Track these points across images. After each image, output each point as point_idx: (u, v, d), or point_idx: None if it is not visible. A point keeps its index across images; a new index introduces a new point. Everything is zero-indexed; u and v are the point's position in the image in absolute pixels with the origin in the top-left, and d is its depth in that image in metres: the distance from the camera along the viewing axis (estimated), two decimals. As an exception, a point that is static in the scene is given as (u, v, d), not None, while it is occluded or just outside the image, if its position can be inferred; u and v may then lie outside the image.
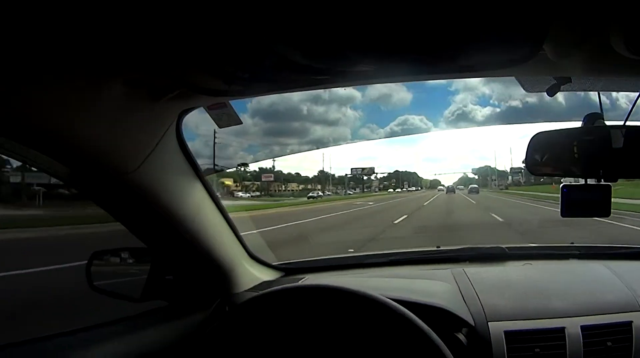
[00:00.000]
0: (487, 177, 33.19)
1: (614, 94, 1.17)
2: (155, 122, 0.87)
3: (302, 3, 0.56)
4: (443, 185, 35.83)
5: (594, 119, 0.96)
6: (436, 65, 0.75)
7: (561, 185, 0.99)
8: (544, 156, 0.93)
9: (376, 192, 29.91)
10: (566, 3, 0.58)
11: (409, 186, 34.12)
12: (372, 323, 0.91)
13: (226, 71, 0.76)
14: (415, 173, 37.73)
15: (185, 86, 0.80)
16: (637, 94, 1.00)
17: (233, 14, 0.58)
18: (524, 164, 0.94)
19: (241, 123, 0.97)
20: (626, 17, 0.61)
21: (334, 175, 31.07)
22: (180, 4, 0.55)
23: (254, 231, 5.22)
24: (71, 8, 0.53)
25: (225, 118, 0.97)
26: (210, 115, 0.98)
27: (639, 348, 1.07)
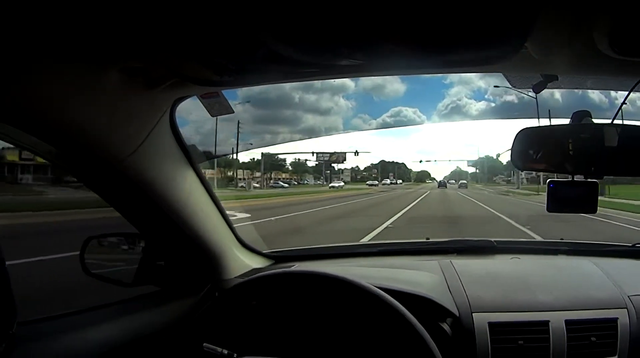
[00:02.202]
0: (485, 169, 31.20)
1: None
2: (149, 110, 0.90)
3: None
4: (433, 178, 34.36)
5: (582, 116, 0.97)
6: (422, 60, 0.77)
7: (547, 181, 1.00)
8: (530, 152, 0.94)
9: (335, 187, 25.22)
10: (551, 2, 0.59)
11: (394, 179, 32.23)
12: (356, 310, 0.94)
13: (218, 62, 0.78)
14: (403, 163, 36.09)
15: (179, 76, 0.83)
16: (626, 93, 1.01)
17: (225, 7, 0.60)
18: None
19: (233, 112, 0.99)
20: (611, 17, 0.63)
21: (305, 162, 28.10)
22: None
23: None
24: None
25: (217, 107, 0.99)
26: (203, 104, 1.00)
27: (624, 344, 1.09)
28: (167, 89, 0.86)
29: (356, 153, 26.38)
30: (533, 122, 1.02)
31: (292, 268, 1.00)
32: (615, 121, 0.98)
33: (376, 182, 30.23)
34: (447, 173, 38.14)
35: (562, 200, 1.00)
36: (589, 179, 0.99)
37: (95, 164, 0.89)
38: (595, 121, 0.97)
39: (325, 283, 0.94)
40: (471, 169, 34.81)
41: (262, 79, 0.90)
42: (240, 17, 0.63)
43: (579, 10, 0.61)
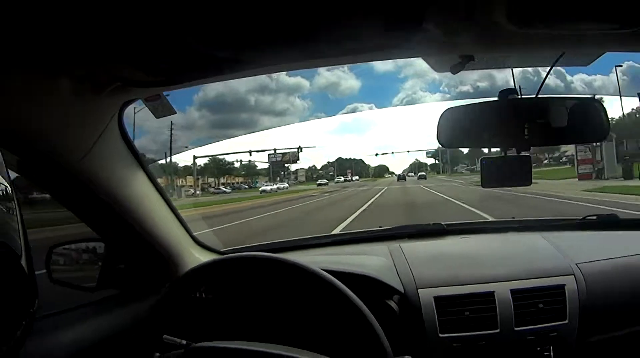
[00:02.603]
0: (448, 159, 30.37)
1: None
2: (97, 115, 0.94)
3: (213, 6, 0.65)
4: (392, 172, 34.22)
5: (507, 94, 1.02)
6: (333, 53, 0.82)
7: (480, 158, 1.05)
8: (456, 130, 0.98)
9: (266, 191, 22.93)
10: None
11: (349, 176, 31.36)
12: (300, 290, 0.98)
13: (154, 65, 0.83)
14: (361, 160, 36.03)
15: (121, 80, 0.88)
16: (548, 68, 1.07)
17: (149, 12, 0.66)
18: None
19: (175, 113, 1.03)
20: None
21: (255, 164, 27.03)
22: (105, 7, 0.62)
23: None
24: (12, 8, 0.59)
25: (161, 109, 1.03)
26: (147, 107, 1.05)
27: (574, 309, 1.13)
28: (112, 94, 0.91)
29: (300, 149, 24.91)
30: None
31: (236, 254, 1.03)
32: (541, 95, 1.03)
33: (325, 181, 29.32)
34: (406, 165, 38.14)
35: (496, 175, 1.05)
36: (521, 154, 1.04)
37: (49, 170, 0.92)
38: (521, 97, 1.02)
39: (268, 265, 0.98)
40: (430, 161, 34.83)
41: (199, 77, 0.94)
42: (163, 22, 0.69)
43: None
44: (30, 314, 0.62)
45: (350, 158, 35.16)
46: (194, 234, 1.32)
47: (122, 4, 0.62)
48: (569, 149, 20.97)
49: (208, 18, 0.68)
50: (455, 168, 29.82)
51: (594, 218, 1.55)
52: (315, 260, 1.27)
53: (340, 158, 34.40)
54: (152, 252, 1.16)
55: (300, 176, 30.38)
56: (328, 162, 34.09)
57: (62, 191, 1.02)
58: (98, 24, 0.66)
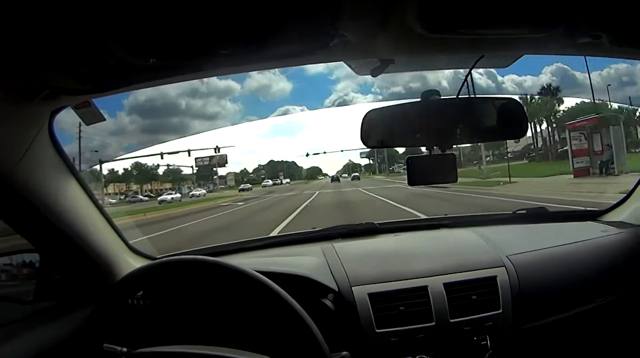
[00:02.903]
0: (385, 159, 29.60)
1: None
2: (28, 124, 0.93)
3: (132, 15, 0.66)
4: (325, 174, 33.15)
5: (430, 95, 1.07)
6: (256, 56, 0.85)
7: (406, 157, 1.09)
8: (378, 130, 1.02)
9: (167, 201, 19.88)
10: None
11: (279, 179, 30.37)
12: (233, 291, 0.99)
13: (80, 73, 0.83)
14: (294, 162, 35.06)
15: (49, 88, 0.88)
16: (468, 70, 1.12)
17: (74, 23, 0.67)
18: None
19: (104, 120, 1.03)
20: None
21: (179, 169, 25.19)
22: (30, 15, 0.62)
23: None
24: None
25: (90, 116, 1.03)
26: (77, 114, 1.04)
27: (507, 299, 1.19)
28: (42, 102, 0.91)
29: (217, 149, 23.17)
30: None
31: (170, 258, 1.03)
32: (461, 96, 1.09)
33: (249, 186, 26.42)
34: (340, 167, 37.78)
35: (422, 173, 1.09)
36: (446, 152, 1.09)
37: None
38: (443, 98, 1.07)
39: (203, 269, 0.99)
40: (365, 161, 34.41)
41: (127, 84, 0.95)
42: (87, 31, 0.70)
43: None
44: None
45: (282, 161, 34.49)
46: (129, 241, 1.31)
47: (48, 12, 0.63)
48: (517, 144, 21.00)
49: (133, 25, 0.69)
50: (391, 168, 29.18)
51: (524, 211, 1.63)
52: (251, 261, 1.28)
53: (272, 161, 33.86)
54: (87, 260, 1.15)
55: (230, 179, 28.40)
56: (259, 165, 33.25)
57: None
58: (24, 31, 0.67)
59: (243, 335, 0.99)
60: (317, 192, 17.94)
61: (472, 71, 1.14)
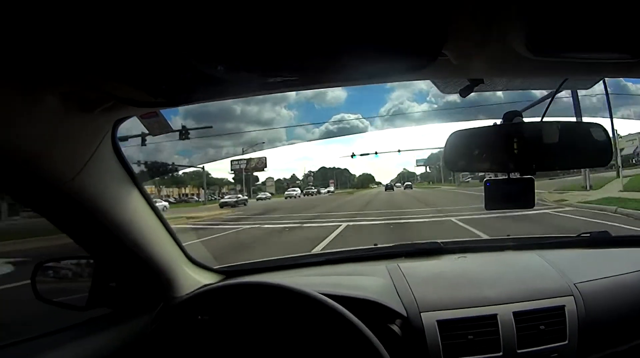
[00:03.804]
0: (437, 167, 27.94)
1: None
2: (90, 133, 0.90)
3: (212, 22, 0.60)
4: (379, 182, 31.58)
5: (512, 116, 1.01)
6: (347, 73, 0.80)
7: (484, 179, 1.04)
8: (462, 153, 0.97)
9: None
10: (462, 10, 0.62)
11: (326, 187, 27.48)
12: (303, 316, 0.95)
13: (151, 84, 0.79)
14: (346, 169, 34.06)
15: (116, 99, 0.84)
16: (553, 91, 1.06)
17: (151, 31, 0.62)
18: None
19: (172, 131, 1.03)
20: (524, 20, 0.66)
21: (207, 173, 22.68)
22: (102, 21, 0.58)
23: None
24: (4, 24, 0.55)
25: (157, 126, 1.00)
26: (143, 124, 1.01)
27: (573, 330, 1.14)
28: (106, 112, 0.87)
29: (243, 150, 20.86)
30: (478, 124, 1.07)
31: (235, 280, 1.00)
32: (546, 119, 1.03)
33: (238, 198, 20.52)
34: (394, 176, 36.62)
35: (499, 197, 1.04)
36: (525, 176, 1.04)
37: (39, 188, 0.88)
38: (527, 119, 1.01)
39: (268, 292, 0.96)
40: (420, 170, 32.89)
41: (197, 99, 0.91)
42: (165, 42, 0.65)
43: (490, 16, 0.64)
44: None
45: (333, 167, 33.30)
46: (189, 253, 1.28)
47: (120, 19, 0.59)
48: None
49: (213, 36, 0.64)
50: (467, 179, 25.55)
51: (588, 235, 1.56)
52: (313, 281, 1.25)
53: (323, 167, 32.72)
54: (144, 270, 1.12)
55: (269, 186, 26.29)
56: (309, 171, 31.82)
57: (52, 209, 0.98)
58: (94, 40, 0.62)
59: None
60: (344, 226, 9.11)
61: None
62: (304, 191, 25.33)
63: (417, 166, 32.59)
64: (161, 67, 0.73)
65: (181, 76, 0.76)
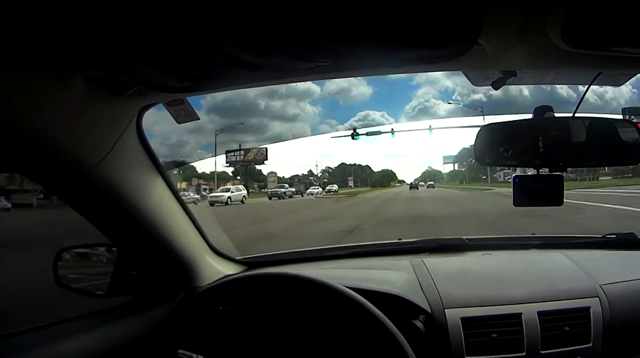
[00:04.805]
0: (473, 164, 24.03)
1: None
2: (116, 118, 0.90)
3: (246, 3, 0.59)
4: (402, 181, 28.34)
5: (543, 111, 0.99)
6: (379, 59, 0.78)
7: (513, 175, 1.02)
8: (494, 147, 0.96)
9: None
10: None
11: (326, 186, 22.70)
12: (326, 309, 0.94)
13: (180, 69, 0.78)
14: (367, 166, 30.55)
15: (143, 83, 0.83)
16: (586, 86, 1.03)
17: (182, 13, 0.61)
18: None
19: (198, 119, 0.99)
20: (563, 10, 0.64)
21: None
22: (132, 4, 0.57)
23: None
24: (33, 8, 0.55)
25: (183, 114, 0.99)
26: (168, 111, 1.00)
27: (598, 332, 1.11)
28: (132, 97, 0.86)
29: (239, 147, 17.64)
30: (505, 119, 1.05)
31: (259, 271, 1.00)
32: (577, 115, 1.00)
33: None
34: (418, 174, 34.63)
35: (528, 194, 1.02)
36: (554, 173, 1.02)
37: (62, 174, 0.88)
38: (557, 115, 0.99)
39: (292, 284, 0.95)
40: (448, 168, 29.35)
41: (226, 84, 0.90)
42: (197, 23, 0.63)
43: (529, 5, 0.63)
44: None
45: (354, 164, 30.40)
46: (212, 243, 1.28)
47: (145, 2, 0.58)
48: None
49: (248, 17, 0.63)
50: (508, 178, 20.71)
51: (614, 236, 1.53)
52: (337, 274, 1.24)
53: (343, 164, 29.92)
54: (167, 259, 1.12)
55: (272, 181, 22.09)
56: (327, 167, 28.82)
57: (75, 195, 0.98)
58: (121, 22, 0.62)
59: (329, 355, 0.95)
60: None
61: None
62: (270, 192, 18.76)
63: (445, 163, 28.86)
64: (191, 50, 0.72)
65: (211, 59, 0.75)
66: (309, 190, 21.59)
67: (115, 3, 0.57)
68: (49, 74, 0.70)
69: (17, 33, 0.59)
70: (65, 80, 0.73)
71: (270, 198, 17.08)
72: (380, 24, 0.65)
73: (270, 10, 0.61)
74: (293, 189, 20.05)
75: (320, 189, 21.92)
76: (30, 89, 0.69)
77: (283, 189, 18.95)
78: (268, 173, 22.98)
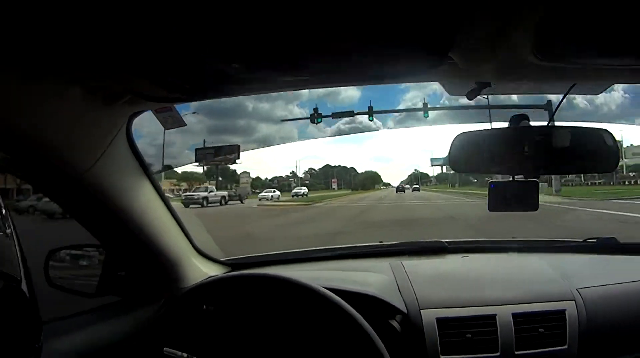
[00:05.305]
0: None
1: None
2: (107, 125, 0.93)
3: (229, 24, 0.63)
4: (387, 183, 28.11)
5: (519, 120, 1.02)
6: (357, 74, 0.82)
7: (489, 181, 1.05)
8: (467, 155, 0.99)
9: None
10: (470, 15, 0.63)
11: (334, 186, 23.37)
12: (305, 309, 0.98)
13: (170, 81, 0.83)
14: (352, 168, 30.79)
15: (135, 93, 0.88)
16: (561, 96, 1.07)
17: (175, 33, 0.65)
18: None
19: (185, 125, 1.02)
20: (532, 27, 0.67)
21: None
22: (130, 19, 0.61)
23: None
24: (33, 18, 0.58)
25: (171, 120, 1.02)
26: (157, 118, 1.04)
27: (574, 334, 1.14)
28: (123, 105, 0.90)
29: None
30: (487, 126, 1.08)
31: (241, 272, 1.03)
32: (553, 123, 1.04)
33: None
34: (404, 176, 33.49)
35: (502, 199, 1.05)
36: (529, 179, 1.05)
37: (55, 177, 0.92)
38: (533, 123, 1.02)
39: (272, 284, 0.98)
40: (435, 170, 28.75)
41: (214, 95, 0.95)
42: (189, 41, 0.68)
43: (499, 22, 0.66)
44: (36, 350, 0.62)
45: (339, 166, 30.50)
46: (196, 244, 1.31)
47: (142, 17, 0.61)
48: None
49: (232, 36, 0.67)
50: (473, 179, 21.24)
51: (594, 241, 1.56)
52: (318, 275, 1.26)
53: (327, 165, 30.14)
54: (153, 260, 1.16)
55: (244, 183, 20.67)
56: (310, 168, 29.12)
57: (66, 197, 1.01)
58: (115, 36, 0.65)
59: (308, 354, 0.98)
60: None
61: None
62: (184, 197, 15.51)
63: (433, 165, 28.05)
64: (180, 64, 0.76)
65: (198, 73, 0.79)
66: (262, 194, 19.00)
67: (114, 17, 0.60)
68: (48, 80, 0.74)
69: (18, 38, 0.62)
70: (62, 87, 0.77)
71: (186, 206, 13.42)
72: (355, 40, 0.69)
73: (251, 29, 0.65)
74: (224, 194, 16.71)
75: (279, 193, 19.54)
76: (28, 94, 0.73)
77: (203, 194, 15.81)
78: (241, 173, 21.57)
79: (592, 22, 0.66)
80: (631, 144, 19.09)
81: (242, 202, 16.61)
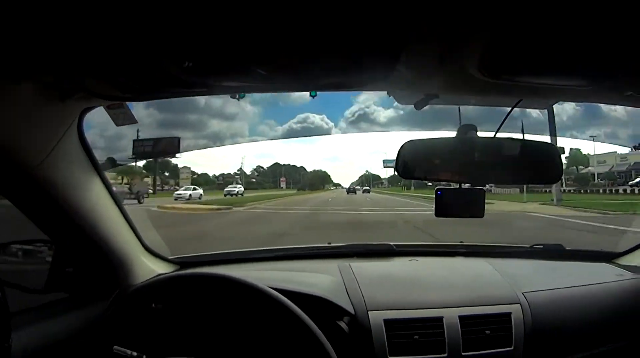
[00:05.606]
0: None
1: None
2: (59, 120, 0.92)
3: (182, 28, 0.64)
4: (337, 184, 28.29)
5: (467, 130, 1.05)
6: (306, 82, 0.84)
7: (436, 188, 1.08)
8: (415, 162, 1.01)
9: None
10: (419, 31, 0.65)
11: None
12: (252, 308, 0.99)
13: (122, 82, 0.83)
14: (302, 167, 31.26)
15: (87, 91, 0.87)
16: (509, 108, 1.11)
17: (127, 36, 0.65)
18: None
19: (136, 122, 1.02)
20: (478, 46, 0.70)
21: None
22: (76, 21, 0.61)
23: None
24: None
25: (122, 117, 1.02)
26: (109, 114, 1.03)
27: (519, 336, 1.19)
28: (75, 101, 0.89)
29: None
30: (440, 134, 1.10)
31: (189, 271, 1.03)
32: (499, 135, 1.07)
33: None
34: (355, 178, 33.81)
35: (449, 206, 1.08)
36: (476, 187, 1.08)
37: (4, 171, 0.90)
38: (480, 134, 1.05)
39: (220, 284, 0.99)
40: (389, 172, 28.36)
41: (164, 96, 0.95)
42: (141, 45, 0.69)
43: (447, 39, 0.68)
44: (6, 348, 0.61)
45: (288, 164, 30.62)
46: (145, 241, 1.31)
47: (97, 18, 0.61)
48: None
49: (182, 39, 0.68)
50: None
51: (541, 246, 1.63)
52: (265, 275, 1.28)
53: (276, 163, 30.20)
54: (102, 257, 1.15)
55: (184, 178, 19.74)
56: (258, 166, 29.46)
57: (17, 193, 0.99)
58: (68, 35, 0.65)
59: (256, 353, 0.99)
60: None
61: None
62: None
63: (385, 167, 27.23)
64: (134, 68, 0.77)
65: (151, 76, 0.80)
66: (177, 192, 17.48)
67: (66, 16, 0.60)
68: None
69: None
70: (13, 82, 0.76)
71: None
72: (309, 50, 0.70)
73: (204, 35, 0.66)
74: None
75: (201, 191, 18.09)
76: None
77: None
78: (181, 168, 20.74)
79: (534, 45, 0.69)
80: (594, 153, 19.80)
81: (139, 202, 14.06)
